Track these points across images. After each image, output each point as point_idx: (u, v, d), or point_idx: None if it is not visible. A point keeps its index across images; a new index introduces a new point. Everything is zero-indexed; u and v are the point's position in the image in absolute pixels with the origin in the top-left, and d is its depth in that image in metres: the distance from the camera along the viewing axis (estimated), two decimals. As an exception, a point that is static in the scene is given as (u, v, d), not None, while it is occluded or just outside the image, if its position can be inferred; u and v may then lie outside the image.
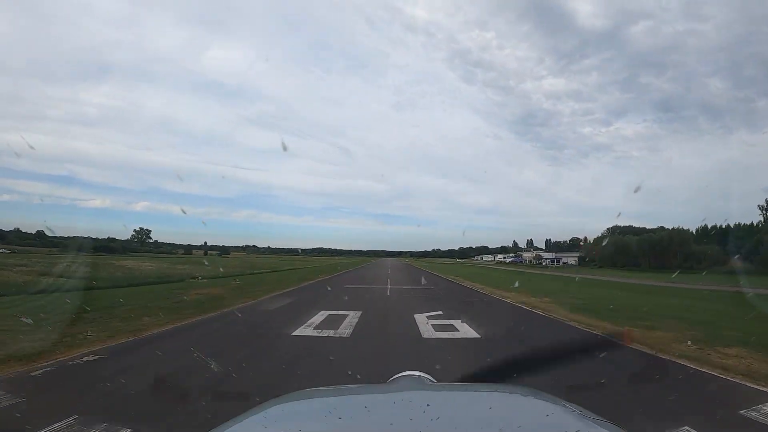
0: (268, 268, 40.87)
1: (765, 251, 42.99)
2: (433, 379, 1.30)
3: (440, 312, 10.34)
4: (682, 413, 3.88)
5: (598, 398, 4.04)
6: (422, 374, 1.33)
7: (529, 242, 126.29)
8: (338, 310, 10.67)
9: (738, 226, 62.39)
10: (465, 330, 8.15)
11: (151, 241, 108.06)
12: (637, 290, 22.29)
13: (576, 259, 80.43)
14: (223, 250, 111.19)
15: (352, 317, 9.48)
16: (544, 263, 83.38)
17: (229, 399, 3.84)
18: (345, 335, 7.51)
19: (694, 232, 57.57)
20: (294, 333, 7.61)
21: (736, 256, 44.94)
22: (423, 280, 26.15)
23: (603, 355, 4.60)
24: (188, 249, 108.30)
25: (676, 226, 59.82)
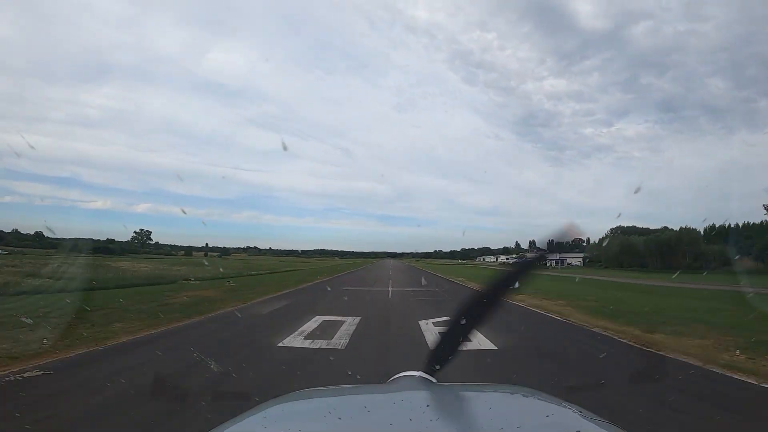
0: (266, 269, 40.04)
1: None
2: (433, 379, 1.17)
3: (447, 317, 9.25)
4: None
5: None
6: (422, 374, 1.20)
7: (532, 243, 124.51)
8: (335, 315, 9.64)
9: (746, 226, 61.30)
10: (478, 339, 7.09)
11: (151, 242, 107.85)
12: (650, 291, 21.27)
13: (581, 259, 79.32)
14: (224, 252, 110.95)
15: (350, 324, 8.45)
16: (548, 264, 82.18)
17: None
18: (339, 346, 6.47)
19: (702, 232, 56.33)
20: (281, 344, 6.58)
21: (748, 256, 44.04)
22: (426, 281, 25.12)
23: (653, 371, 3.68)
24: (189, 250, 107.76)
25: (678, 227, 58.78)
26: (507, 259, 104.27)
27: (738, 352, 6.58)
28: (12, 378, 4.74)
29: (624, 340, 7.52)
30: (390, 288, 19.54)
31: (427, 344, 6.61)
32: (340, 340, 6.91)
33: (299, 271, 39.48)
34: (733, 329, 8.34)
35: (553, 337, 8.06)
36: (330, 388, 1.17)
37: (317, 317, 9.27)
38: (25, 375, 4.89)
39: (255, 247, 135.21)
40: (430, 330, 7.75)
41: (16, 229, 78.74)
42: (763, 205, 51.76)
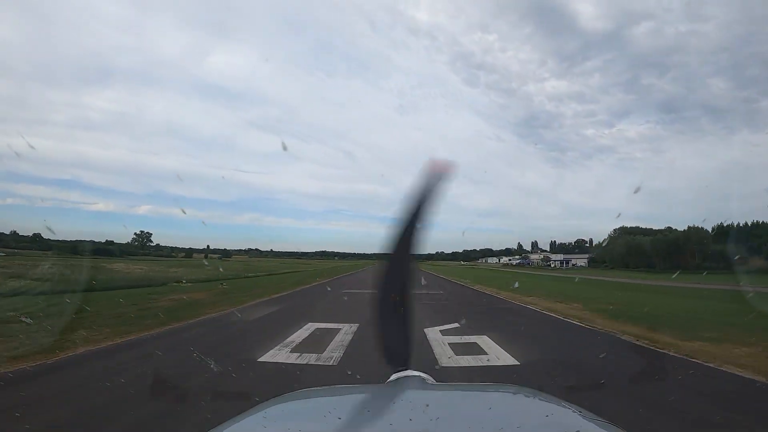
0: (265, 271, 39.13)
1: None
2: (433, 379, 1.16)
3: (456, 325, 8.20)
4: None
5: None
6: (422, 374, 1.16)
7: (534, 244, 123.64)
8: (329, 322, 8.60)
9: (755, 224, 60.02)
10: (494, 351, 6.05)
11: (152, 244, 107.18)
12: (664, 292, 20.23)
13: (585, 260, 78.12)
14: (225, 254, 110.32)
15: (345, 333, 7.40)
16: (552, 265, 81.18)
17: None
18: (331, 362, 5.42)
19: (711, 231, 55.04)
20: (261, 358, 5.52)
21: (759, 255, 42.99)
22: (426, 281, 24.06)
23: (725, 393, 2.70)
24: (189, 252, 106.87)
25: (680, 227, 57.53)
26: (510, 260, 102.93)
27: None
28: None
29: (662, 350, 6.46)
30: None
31: (436, 359, 5.55)
32: (332, 353, 5.86)
33: (299, 272, 38.48)
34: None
35: (581, 347, 6.98)
36: (330, 388, 1.15)
37: (309, 324, 8.22)
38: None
39: (256, 249, 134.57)
40: (438, 340, 6.66)
41: (15, 231, 77.81)
42: None
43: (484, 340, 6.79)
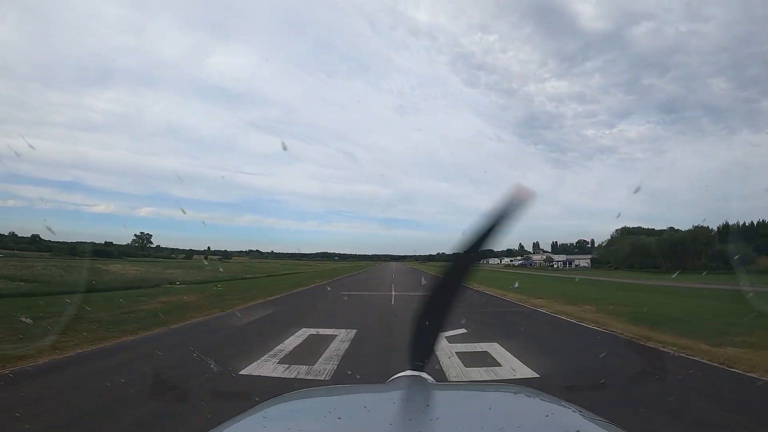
0: (264, 272, 38.44)
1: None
2: (433, 379, 1.14)
3: (464, 330, 7.48)
4: None
5: None
6: (422, 374, 1.15)
7: (536, 245, 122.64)
8: (325, 327, 7.88)
9: (761, 224, 59.13)
10: (509, 362, 5.33)
11: (152, 245, 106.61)
12: (676, 293, 19.41)
13: (588, 261, 77.26)
14: (225, 255, 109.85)
15: (342, 340, 6.69)
16: (555, 266, 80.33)
17: None
18: (323, 375, 4.70)
19: (716, 229, 54.17)
20: (243, 371, 4.80)
21: (766, 255, 42.19)
22: (426, 281, 23.33)
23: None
24: (189, 254, 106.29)
25: (681, 227, 56.77)
26: (511, 261, 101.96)
27: None
28: None
29: (697, 358, 5.75)
30: (393, 292, 17.77)
31: (443, 371, 4.84)
32: (325, 365, 5.15)
33: (298, 274, 37.75)
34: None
35: (606, 356, 6.24)
36: (330, 387, 1.14)
37: (303, 330, 7.52)
38: None
39: (257, 251, 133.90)
40: (445, 349, 5.92)
41: (14, 232, 77.23)
42: None
43: (495, 349, 6.08)
